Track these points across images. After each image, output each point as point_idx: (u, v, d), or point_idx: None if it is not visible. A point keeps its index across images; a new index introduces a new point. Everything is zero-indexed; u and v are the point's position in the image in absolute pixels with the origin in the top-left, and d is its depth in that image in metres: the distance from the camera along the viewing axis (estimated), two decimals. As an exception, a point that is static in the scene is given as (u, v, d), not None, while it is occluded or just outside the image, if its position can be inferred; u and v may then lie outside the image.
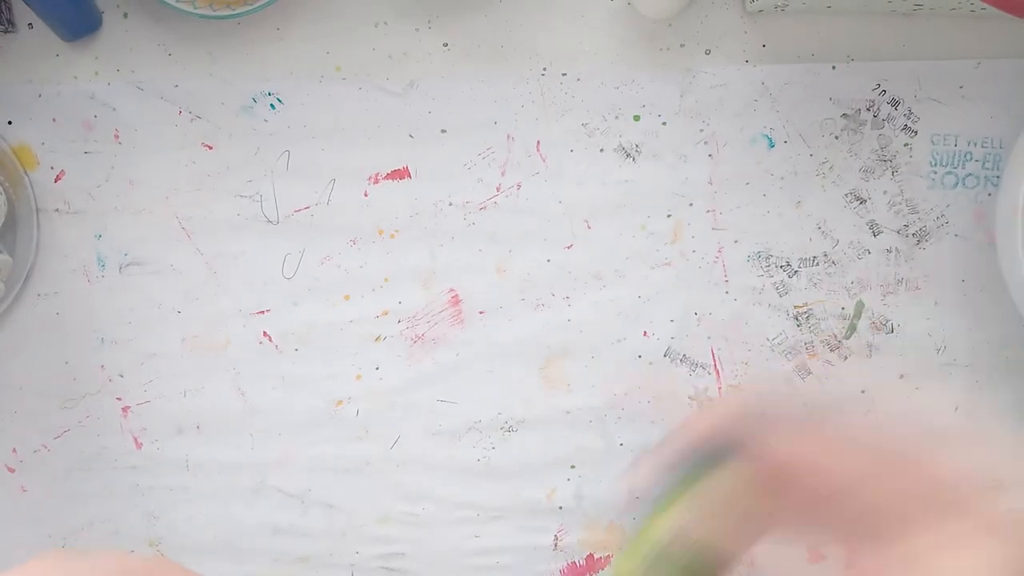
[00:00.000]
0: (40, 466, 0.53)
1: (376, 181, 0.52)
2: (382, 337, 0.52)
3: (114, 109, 0.51)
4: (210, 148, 0.52)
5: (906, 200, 0.52)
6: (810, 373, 0.52)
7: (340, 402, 0.52)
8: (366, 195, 0.52)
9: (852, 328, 0.52)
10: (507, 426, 0.53)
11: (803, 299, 0.52)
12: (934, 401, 0.53)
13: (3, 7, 0.50)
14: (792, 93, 0.51)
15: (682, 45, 0.51)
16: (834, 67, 0.51)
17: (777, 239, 0.52)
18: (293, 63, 0.51)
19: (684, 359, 0.52)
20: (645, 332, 0.52)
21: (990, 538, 0.25)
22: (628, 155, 0.52)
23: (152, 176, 0.52)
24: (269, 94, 0.51)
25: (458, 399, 0.52)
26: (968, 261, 0.52)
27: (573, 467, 0.53)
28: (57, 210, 0.52)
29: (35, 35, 0.51)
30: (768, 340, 0.52)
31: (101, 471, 0.53)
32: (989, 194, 0.52)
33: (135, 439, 0.53)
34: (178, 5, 0.48)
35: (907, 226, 0.52)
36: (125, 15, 0.51)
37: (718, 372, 0.52)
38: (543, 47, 0.51)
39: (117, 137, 0.51)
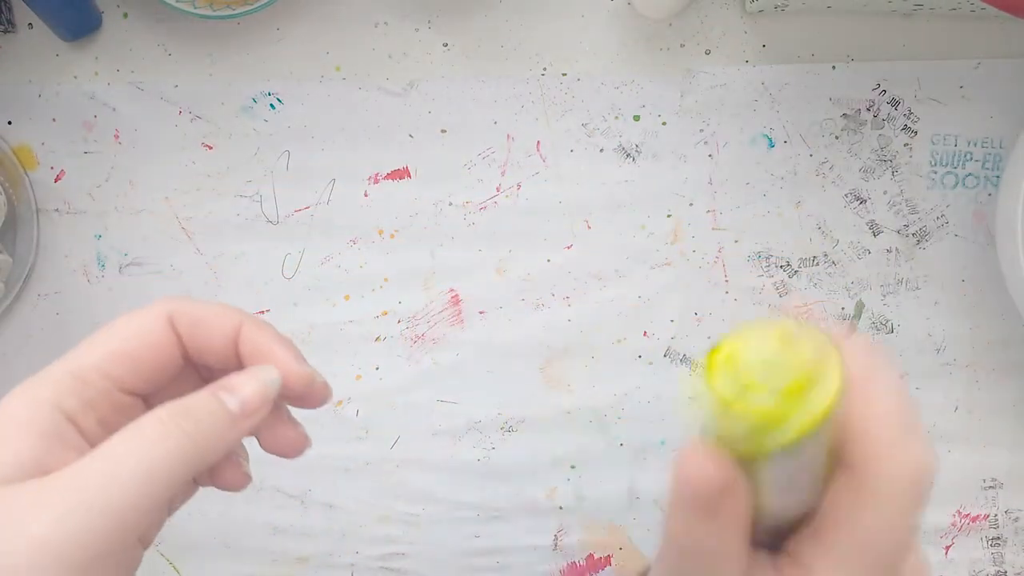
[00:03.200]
0: (40, 466, 0.53)
1: (376, 181, 0.52)
2: (382, 337, 0.52)
3: (114, 109, 0.51)
4: (210, 148, 0.52)
5: (906, 200, 0.52)
6: (810, 373, 0.52)
7: (340, 402, 0.52)
8: (366, 195, 0.52)
9: (852, 328, 0.52)
10: (507, 426, 0.53)
11: (803, 299, 0.52)
12: (934, 401, 0.53)
13: (3, 7, 0.50)
14: (792, 93, 0.51)
15: (682, 45, 0.51)
16: (834, 67, 0.51)
17: (777, 239, 0.52)
18: (293, 63, 0.51)
19: (684, 359, 0.52)
20: (645, 332, 0.52)
21: None
22: (628, 155, 0.52)
23: (152, 176, 0.52)
24: (269, 94, 0.51)
25: (458, 399, 0.52)
26: (968, 261, 0.52)
27: (573, 467, 0.53)
28: (57, 210, 0.52)
29: (35, 35, 0.51)
30: (768, 340, 0.52)
31: (101, 471, 0.53)
32: (989, 194, 0.52)
33: (135, 439, 0.53)
34: (178, 5, 0.48)
35: (907, 226, 0.52)
36: (125, 15, 0.51)
37: (718, 372, 0.52)
38: (543, 47, 0.51)
39: (117, 137, 0.51)
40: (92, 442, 0.25)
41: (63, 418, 0.25)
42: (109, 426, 0.25)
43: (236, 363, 0.28)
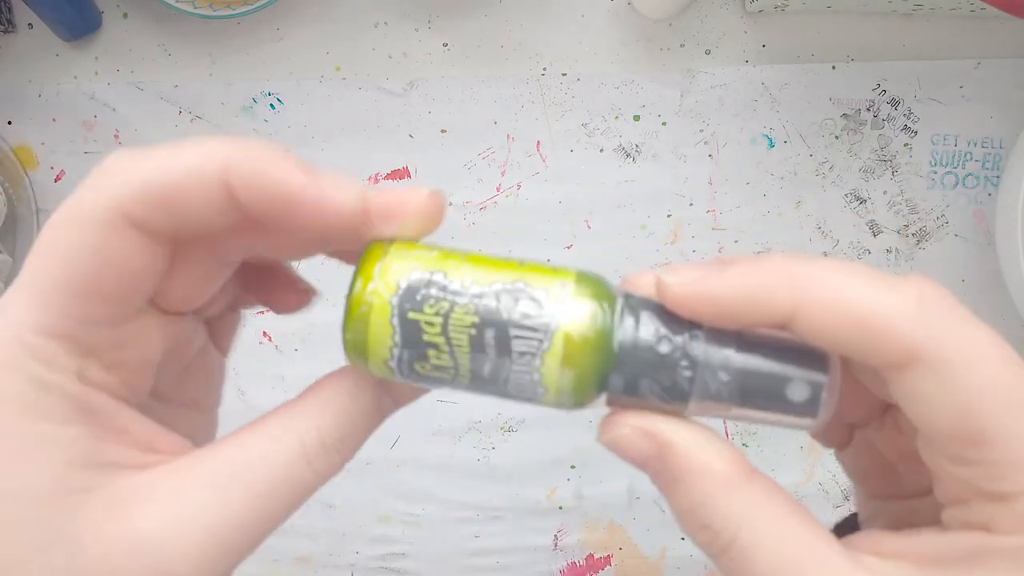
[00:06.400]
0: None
1: (376, 181, 0.52)
2: (382, 337, 0.52)
3: (114, 109, 0.51)
4: (210, 148, 0.52)
5: (906, 200, 0.52)
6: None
7: (340, 402, 0.52)
8: (366, 195, 0.52)
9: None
10: (507, 426, 0.53)
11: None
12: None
13: (3, 7, 0.50)
14: (792, 93, 0.51)
15: (682, 45, 0.51)
16: (834, 67, 0.51)
17: (777, 239, 0.52)
18: (293, 63, 0.51)
19: (684, 359, 0.52)
20: (645, 332, 0.52)
21: None
22: (628, 155, 0.52)
23: (152, 176, 0.52)
24: (269, 94, 0.51)
25: (458, 399, 0.52)
26: (968, 261, 0.52)
27: (573, 467, 0.53)
28: (57, 210, 0.52)
29: (35, 35, 0.51)
30: (768, 340, 0.52)
31: (101, 471, 0.53)
32: (989, 194, 0.52)
33: (135, 439, 0.53)
34: (178, 5, 0.48)
35: (907, 226, 0.52)
36: (125, 15, 0.51)
37: (718, 372, 0.52)
38: (543, 47, 0.51)
39: (117, 137, 0.51)
40: (106, 388, 0.20)
41: (57, 348, 0.19)
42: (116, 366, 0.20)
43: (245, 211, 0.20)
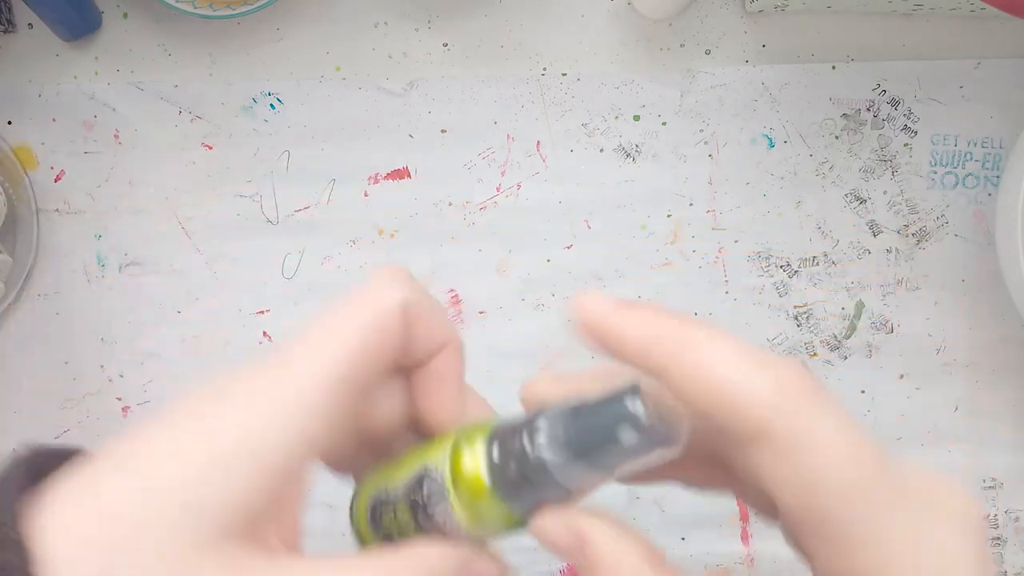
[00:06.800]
0: (40, 466, 0.53)
1: (376, 181, 0.52)
2: (382, 337, 0.52)
3: (114, 109, 0.51)
4: (210, 148, 0.52)
5: (906, 200, 0.52)
6: (810, 373, 0.52)
7: (340, 402, 0.52)
8: (366, 195, 0.52)
9: (852, 328, 0.52)
10: (507, 426, 0.53)
11: (803, 299, 0.52)
12: (934, 401, 0.53)
13: (3, 7, 0.50)
14: (792, 93, 0.51)
15: (682, 45, 0.51)
16: (834, 67, 0.51)
17: (777, 239, 0.52)
18: (293, 63, 0.51)
19: (684, 359, 0.52)
20: (645, 332, 0.52)
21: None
22: (628, 155, 0.52)
23: (152, 176, 0.52)
24: (269, 94, 0.51)
25: (458, 399, 0.52)
26: (968, 261, 0.52)
27: (573, 467, 0.53)
28: (57, 210, 0.52)
29: (35, 35, 0.51)
30: (768, 340, 0.52)
31: (101, 471, 0.53)
32: (989, 194, 0.52)
33: (135, 439, 0.53)
34: (178, 5, 0.48)
35: (907, 226, 0.52)
36: (125, 15, 0.51)
37: (718, 372, 0.52)
38: (543, 47, 0.51)
39: (117, 137, 0.51)
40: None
41: (307, 454, 0.21)
42: None
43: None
